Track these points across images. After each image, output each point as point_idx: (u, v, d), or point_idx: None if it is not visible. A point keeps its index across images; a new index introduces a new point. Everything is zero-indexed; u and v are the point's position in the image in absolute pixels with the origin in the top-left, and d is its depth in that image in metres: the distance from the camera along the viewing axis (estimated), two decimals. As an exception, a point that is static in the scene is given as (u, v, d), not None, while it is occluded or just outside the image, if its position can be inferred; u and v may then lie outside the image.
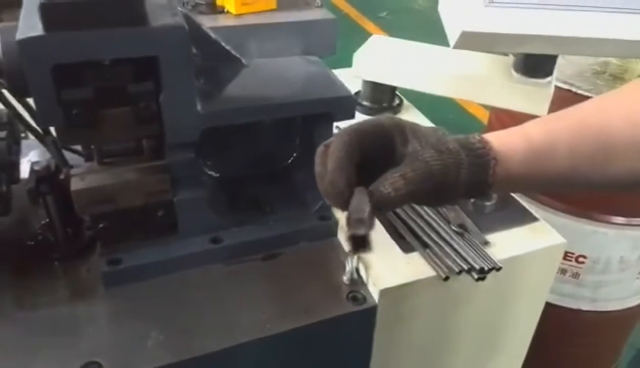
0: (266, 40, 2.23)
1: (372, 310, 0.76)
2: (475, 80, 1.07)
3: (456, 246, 0.79)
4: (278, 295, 0.78)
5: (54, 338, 0.70)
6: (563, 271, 1.47)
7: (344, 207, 0.56)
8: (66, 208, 0.79)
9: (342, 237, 0.87)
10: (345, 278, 0.79)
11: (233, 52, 0.87)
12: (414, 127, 0.57)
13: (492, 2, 0.87)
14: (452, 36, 0.91)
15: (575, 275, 1.48)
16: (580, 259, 1.44)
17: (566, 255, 1.45)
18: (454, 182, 0.54)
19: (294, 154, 0.97)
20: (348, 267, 0.79)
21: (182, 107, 0.72)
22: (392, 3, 5.02)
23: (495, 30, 0.87)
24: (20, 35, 0.61)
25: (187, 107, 0.73)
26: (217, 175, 0.94)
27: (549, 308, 1.47)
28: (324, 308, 0.76)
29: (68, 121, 0.67)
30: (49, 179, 0.77)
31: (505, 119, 1.49)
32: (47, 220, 0.81)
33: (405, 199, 0.54)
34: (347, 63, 1.24)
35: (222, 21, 2.39)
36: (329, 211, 0.89)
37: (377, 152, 0.56)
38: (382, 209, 0.54)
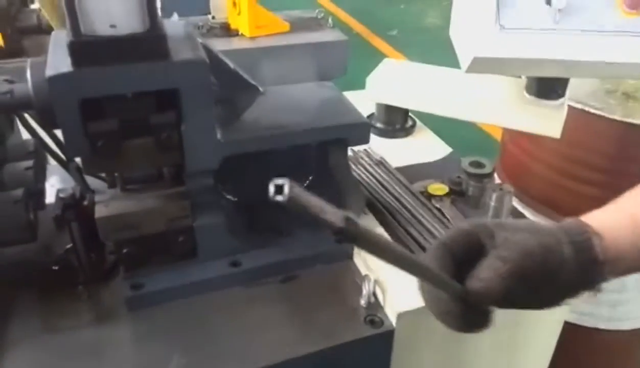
0: (280, 62, 2.27)
1: (390, 334, 0.77)
2: (487, 103, 1.08)
3: (472, 269, 0.80)
4: (297, 318, 0.79)
5: (79, 361, 0.72)
6: (580, 290, 1.46)
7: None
8: (90, 234, 0.81)
9: (358, 259, 0.88)
10: (362, 301, 0.80)
11: (250, 80, 0.90)
12: (499, 222, 0.55)
13: (504, 28, 0.88)
14: (464, 61, 0.92)
15: (593, 294, 1.46)
16: (598, 278, 1.43)
17: (583, 274, 1.44)
18: (559, 260, 0.50)
19: (310, 178, 0.99)
20: (365, 290, 0.80)
21: (202, 136, 0.75)
22: (403, 22, 5.07)
23: (507, 56, 0.88)
24: (50, 71, 0.64)
25: (208, 136, 0.75)
26: (235, 199, 0.96)
27: (569, 327, 1.46)
28: (342, 331, 0.77)
29: (93, 151, 0.69)
30: (74, 206, 0.79)
31: (519, 137, 1.50)
32: (72, 245, 0.83)
33: (507, 283, 0.49)
34: (358, 82, 1.27)
35: (237, 44, 2.43)
36: (345, 234, 0.90)
37: (468, 256, 0.53)
38: (484, 303, 0.52)
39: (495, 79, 1.14)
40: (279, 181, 0.35)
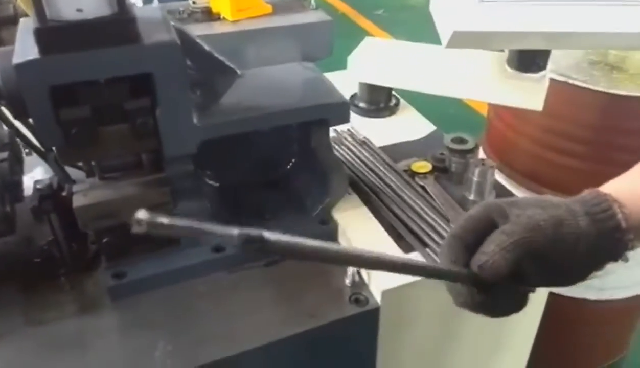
0: (263, 45, 2.24)
1: (375, 312, 0.77)
2: (469, 78, 1.08)
3: (455, 245, 0.80)
4: (282, 301, 0.79)
5: (62, 353, 0.71)
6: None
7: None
8: (70, 224, 0.80)
9: (343, 239, 0.88)
10: (347, 281, 0.79)
11: (227, 62, 0.89)
12: (511, 200, 0.53)
13: (483, 0, 0.87)
14: (444, 36, 0.91)
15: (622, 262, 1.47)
16: (585, 250, 1.44)
17: (570, 246, 1.45)
18: (575, 233, 0.49)
19: (293, 160, 0.98)
20: (350, 270, 0.79)
21: (178, 121, 0.73)
22: (388, 0, 5.02)
23: (487, 29, 0.87)
24: (16, 59, 0.62)
25: (184, 120, 0.74)
26: (217, 184, 0.95)
27: (555, 299, 1.47)
28: (327, 311, 0.77)
29: (67, 140, 0.68)
30: (52, 197, 0.78)
31: (504, 112, 1.49)
32: (52, 236, 0.82)
33: (512, 256, 0.48)
34: (344, 62, 1.25)
35: (218, 28, 2.40)
36: (328, 215, 0.90)
37: (482, 242, 0.52)
38: (492, 279, 0.49)
39: (477, 54, 1.13)
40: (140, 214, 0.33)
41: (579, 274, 0.53)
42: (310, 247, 0.40)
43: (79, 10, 0.62)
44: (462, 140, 0.96)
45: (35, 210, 0.76)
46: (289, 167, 0.99)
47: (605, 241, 0.50)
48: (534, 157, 1.38)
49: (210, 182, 0.94)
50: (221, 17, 2.05)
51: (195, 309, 0.78)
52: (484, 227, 0.52)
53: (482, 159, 0.89)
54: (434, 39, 1.08)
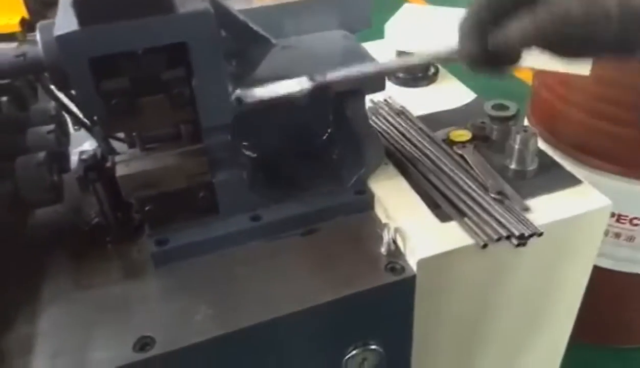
0: (302, 18, 2.22)
1: (411, 280, 0.76)
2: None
3: (495, 213, 0.78)
4: (318, 269, 0.80)
5: (109, 315, 0.74)
6: (617, 235, 1.42)
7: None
8: (115, 194, 0.83)
9: (379, 209, 0.88)
10: (383, 249, 0.79)
11: (262, 32, 0.88)
12: None
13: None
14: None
15: (631, 239, 1.42)
16: (635, 221, 1.39)
17: (619, 218, 1.39)
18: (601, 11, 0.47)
19: (329, 130, 0.98)
20: (385, 238, 0.79)
21: (214, 91, 0.74)
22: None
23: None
24: (57, 31, 0.64)
25: (220, 91, 0.75)
26: (254, 155, 0.96)
27: (604, 273, 1.43)
28: (363, 279, 0.77)
29: (108, 111, 0.70)
30: (96, 167, 0.81)
31: (549, 81, 1.43)
32: (98, 206, 0.85)
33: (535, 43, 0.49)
34: (382, 34, 1.23)
35: (257, 2, 2.40)
36: (364, 185, 0.89)
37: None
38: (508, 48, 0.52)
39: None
40: None
41: (586, 51, 0.53)
42: None
43: (116, -19, 0.63)
44: (503, 107, 0.93)
45: (80, 180, 0.79)
46: (324, 137, 0.98)
47: (625, 25, 0.47)
48: (584, 126, 1.33)
49: (247, 153, 0.95)
50: (261, -9, 2.01)
51: (235, 276, 0.79)
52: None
53: (524, 126, 0.86)
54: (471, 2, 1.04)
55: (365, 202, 0.88)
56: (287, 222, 0.86)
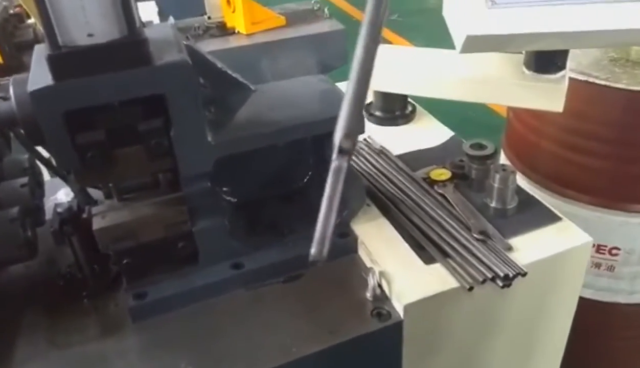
0: (279, 57, 2.24)
1: (398, 326, 0.75)
2: (486, 82, 1.05)
3: (478, 254, 0.78)
4: (302, 317, 0.78)
5: (87, 376, 0.71)
6: (597, 265, 1.43)
7: None
8: (91, 246, 0.81)
9: (363, 252, 0.87)
10: (368, 294, 0.78)
11: (241, 79, 0.88)
12: None
13: (495, 4, 0.86)
14: (458, 41, 0.90)
15: (610, 268, 1.43)
16: (614, 251, 1.40)
17: (599, 249, 1.41)
18: None
19: (309, 173, 0.98)
20: (370, 283, 0.78)
21: (193, 140, 0.73)
22: (403, 5, 5.00)
23: (500, 32, 0.85)
24: (31, 86, 0.63)
25: (198, 139, 0.74)
26: (234, 199, 0.95)
27: (586, 303, 1.43)
28: (349, 327, 0.75)
29: (84, 163, 0.68)
30: (72, 220, 0.79)
31: (523, 114, 1.46)
32: (74, 259, 0.83)
33: None
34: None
35: (234, 42, 2.41)
36: (347, 228, 0.89)
37: None
38: None
39: (492, 57, 1.11)
40: None
41: None
42: None
43: (90, 35, 0.62)
44: (481, 146, 0.94)
45: (56, 234, 0.77)
46: (305, 180, 0.98)
47: None
48: (557, 158, 1.35)
49: (227, 198, 0.94)
50: (236, 31, 2.06)
51: (216, 328, 0.77)
52: None
53: (503, 165, 0.87)
54: (450, 43, 1.07)
55: (348, 245, 0.88)
56: (269, 269, 0.84)
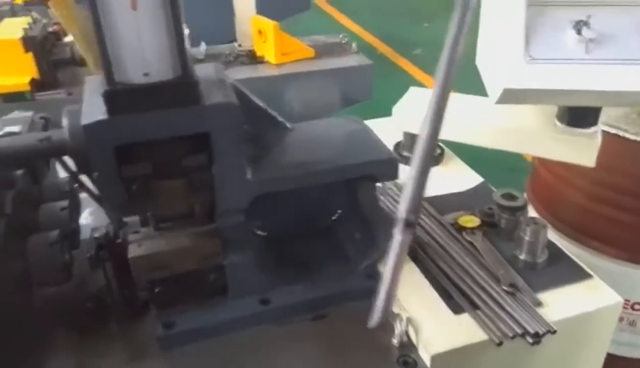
0: (305, 88, 2.28)
1: (424, 375, 0.75)
2: (518, 132, 1.06)
3: (508, 308, 0.78)
4: (328, 359, 0.78)
5: (113, 404, 0.72)
6: (619, 319, 1.41)
7: None
8: (123, 272, 0.82)
9: (390, 296, 0.87)
10: (394, 340, 0.78)
11: (279, 117, 0.90)
12: None
13: (533, 59, 0.87)
14: (494, 92, 0.91)
15: (632, 323, 1.41)
16: (636, 306, 1.38)
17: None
18: None
19: (338, 211, 0.99)
20: (397, 330, 0.78)
21: (233, 177, 0.75)
22: (427, 40, 5.07)
23: (537, 87, 0.87)
24: (85, 119, 0.66)
25: (238, 176, 0.76)
26: (264, 234, 0.96)
27: (607, 358, 1.40)
28: (374, 373, 0.75)
29: (127, 195, 0.70)
30: (108, 246, 0.80)
31: (551, 163, 1.47)
32: (105, 283, 0.84)
33: None
34: (382, 101, 1.25)
35: (263, 71, 2.46)
36: (375, 270, 0.89)
37: None
38: None
39: (526, 108, 1.12)
40: None
41: None
42: None
43: (146, 74, 0.65)
44: (512, 197, 0.94)
45: (92, 260, 0.78)
46: (334, 218, 0.99)
47: None
48: (584, 209, 1.35)
49: (258, 232, 0.95)
50: (265, 60, 2.12)
51: (242, 364, 0.77)
52: None
53: (534, 218, 0.87)
54: (471, 79, 1.06)
55: (375, 288, 0.88)
56: (297, 306, 0.85)
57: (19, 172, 0.86)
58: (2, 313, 0.73)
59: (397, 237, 0.57)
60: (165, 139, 0.70)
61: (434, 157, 1.23)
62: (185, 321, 0.80)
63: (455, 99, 1.24)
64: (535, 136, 1.05)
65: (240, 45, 2.51)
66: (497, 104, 0.92)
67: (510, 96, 0.90)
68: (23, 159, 0.73)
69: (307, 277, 0.89)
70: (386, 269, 0.58)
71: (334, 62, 2.54)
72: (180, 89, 0.67)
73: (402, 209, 0.57)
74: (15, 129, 0.91)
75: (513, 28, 0.89)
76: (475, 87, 1.03)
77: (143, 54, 0.64)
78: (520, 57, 0.88)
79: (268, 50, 2.47)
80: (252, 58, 2.49)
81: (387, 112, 1.27)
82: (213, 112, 0.69)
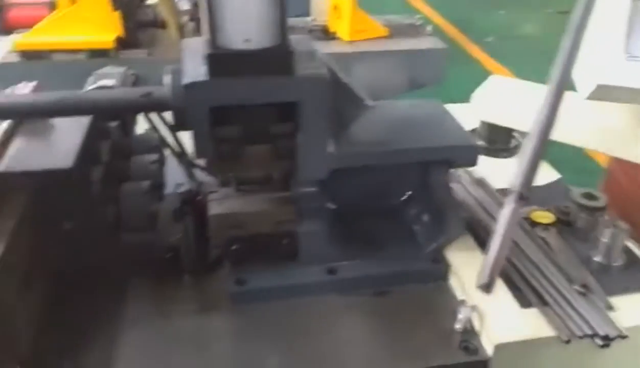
0: (375, 68, 2.27)
1: (484, 364, 0.75)
2: (604, 131, 1.03)
3: (579, 307, 0.77)
4: (389, 334, 0.80)
5: (185, 349, 0.77)
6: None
7: None
8: (201, 227, 0.87)
9: (454, 281, 0.87)
10: (457, 326, 0.79)
11: (361, 94, 0.91)
12: None
13: (634, 57, 0.83)
14: (586, 87, 0.88)
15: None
16: None
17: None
18: None
19: (408, 192, 0.99)
20: (461, 315, 0.79)
21: (315, 148, 0.77)
22: (501, 28, 4.89)
23: (634, 86, 0.83)
24: (186, 79, 0.69)
25: (320, 148, 0.78)
26: (335, 207, 0.98)
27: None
28: (434, 353, 0.76)
29: (217, 155, 0.74)
30: (190, 201, 0.85)
31: (628, 164, 1.40)
32: (182, 235, 0.88)
33: None
34: (448, 87, 1.23)
35: (335, 47, 2.46)
36: (441, 254, 0.90)
37: None
38: None
39: (611, 106, 1.08)
40: None
41: None
42: None
43: (247, 40, 0.67)
44: (592, 197, 0.92)
45: (176, 213, 0.83)
46: (403, 198, 1.00)
47: None
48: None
49: (329, 204, 0.97)
50: (338, 36, 2.12)
51: (306, 327, 0.80)
52: None
53: (615, 221, 0.85)
54: (542, 73, 1.03)
55: (440, 271, 0.89)
56: (361, 280, 0.87)
57: (114, 124, 0.92)
58: (92, 253, 0.79)
59: (510, 206, 0.63)
60: (256, 105, 0.73)
61: (508, 148, 1.21)
62: (256, 280, 0.84)
63: (536, 90, 1.21)
64: (621, 137, 1.01)
65: (314, 20, 2.52)
66: (586, 100, 0.89)
67: (603, 93, 0.87)
68: (125, 111, 0.78)
69: (373, 253, 0.91)
70: (496, 234, 0.63)
71: (406, 43, 2.50)
72: (277, 58, 0.69)
73: (516, 183, 0.64)
74: (108, 82, 0.97)
75: (614, 23, 0.85)
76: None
77: (247, 20, 0.66)
78: (619, 54, 0.85)
79: (342, 27, 2.47)
80: (325, 33, 2.50)
81: (450, 99, 1.25)
82: (305, 83, 0.71)
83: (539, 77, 1.00)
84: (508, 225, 0.63)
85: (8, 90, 0.89)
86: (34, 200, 0.73)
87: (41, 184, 0.73)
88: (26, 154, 0.75)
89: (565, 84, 0.60)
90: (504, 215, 0.63)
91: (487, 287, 0.64)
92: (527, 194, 0.63)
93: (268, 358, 0.75)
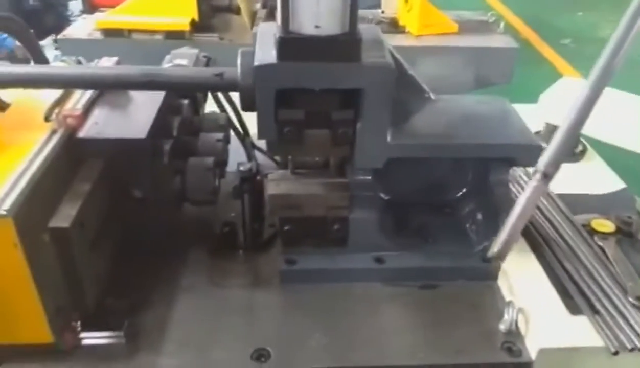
0: (441, 64, 2.24)
1: (527, 366, 0.74)
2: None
3: (631, 320, 0.74)
4: (432, 327, 0.80)
5: (235, 318, 0.81)
6: None
7: None
8: (257, 206, 0.91)
9: (503, 282, 0.87)
10: (502, 326, 0.78)
11: (424, 87, 0.92)
12: None
13: None
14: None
15: None
16: None
17: None
18: None
19: (464, 189, 0.99)
20: (507, 316, 0.78)
21: (374, 136, 0.79)
22: (578, 30, 4.66)
23: None
24: (257, 61, 0.72)
25: (379, 137, 0.79)
26: (387, 197, 0.99)
27: None
28: (476, 351, 0.76)
29: (279, 136, 0.77)
30: (251, 180, 0.89)
31: None
32: (240, 212, 0.92)
33: None
34: (517, 88, 1.20)
35: (402, 41, 2.44)
36: (493, 254, 0.89)
37: None
38: None
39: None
40: None
41: None
42: None
43: (317, 26, 0.70)
44: (658, 210, 0.88)
45: (236, 190, 0.87)
46: (459, 194, 0.99)
47: None
48: None
49: (382, 195, 0.99)
50: (406, 30, 2.11)
51: (351, 312, 0.83)
52: None
53: (681, 236, 0.81)
54: (623, 81, 0.97)
55: (489, 271, 0.88)
56: (409, 271, 0.88)
57: (185, 101, 0.97)
58: (157, 221, 0.84)
59: (533, 183, 0.63)
60: (320, 90, 0.75)
61: (575, 153, 1.17)
62: (306, 261, 0.87)
63: (609, 94, 1.16)
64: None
65: (383, 12, 2.51)
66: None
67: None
68: (197, 88, 0.83)
69: (422, 246, 0.92)
70: (516, 206, 0.65)
71: (476, 40, 2.45)
72: (346, 45, 0.71)
73: (543, 161, 0.63)
74: (183, 62, 1.02)
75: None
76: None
77: (319, 7, 0.68)
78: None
79: (411, 20, 2.45)
80: (394, 26, 2.49)
81: (518, 100, 1.22)
82: (370, 71, 0.73)
83: (616, 82, 0.96)
84: (528, 202, 0.65)
85: (92, 64, 0.96)
86: (109, 167, 0.79)
87: (116, 152, 0.79)
88: (105, 123, 0.81)
89: (610, 73, 0.61)
90: (527, 190, 0.65)
91: (499, 256, 0.69)
92: (553, 172, 0.64)
93: (313, 335, 0.78)
